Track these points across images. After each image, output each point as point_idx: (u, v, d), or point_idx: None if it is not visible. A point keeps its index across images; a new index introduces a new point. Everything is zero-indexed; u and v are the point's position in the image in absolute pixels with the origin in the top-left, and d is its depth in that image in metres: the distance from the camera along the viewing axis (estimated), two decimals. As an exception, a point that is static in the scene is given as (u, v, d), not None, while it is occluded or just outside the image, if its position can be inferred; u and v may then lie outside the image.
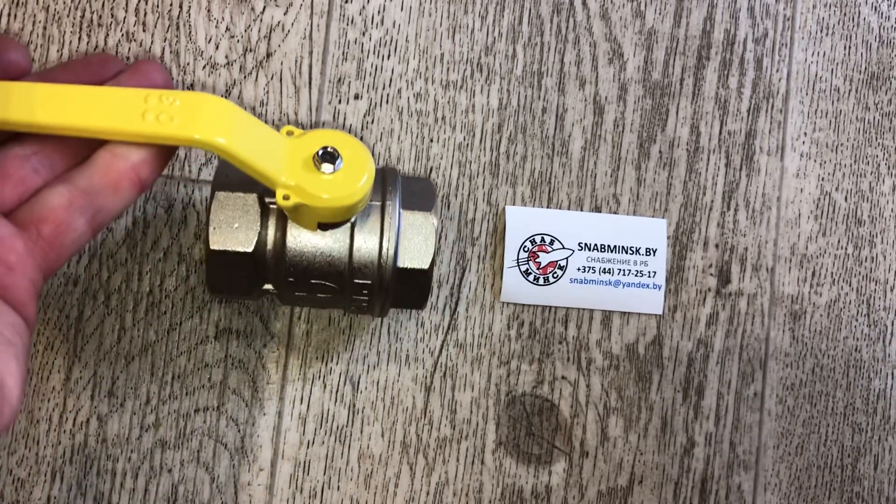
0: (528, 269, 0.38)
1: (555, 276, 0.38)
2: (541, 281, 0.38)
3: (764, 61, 0.41)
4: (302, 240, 0.31)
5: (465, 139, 0.39)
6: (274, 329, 0.37)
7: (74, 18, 0.37)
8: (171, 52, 0.37)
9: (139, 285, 0.36)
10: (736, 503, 0.39)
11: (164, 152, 0.27)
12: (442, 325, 0.38)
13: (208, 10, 0.37)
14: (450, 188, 0.38)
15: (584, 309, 0.39)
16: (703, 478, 0.39)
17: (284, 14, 0.38)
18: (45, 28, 0.37)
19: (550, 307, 0.39)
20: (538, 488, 0.38)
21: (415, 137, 0.38)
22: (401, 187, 0.32)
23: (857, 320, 0.40)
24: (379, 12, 0.38)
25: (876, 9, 0.41)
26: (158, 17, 0.37)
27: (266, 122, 0.38)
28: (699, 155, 0.40)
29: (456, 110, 0.39)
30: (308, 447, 0.37)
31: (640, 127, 0.40)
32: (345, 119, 0.38)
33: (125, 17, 0.37)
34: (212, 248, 0.30)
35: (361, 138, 0.38)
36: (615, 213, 0.39)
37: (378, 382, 0.37)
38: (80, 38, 0.37)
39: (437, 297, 0.38)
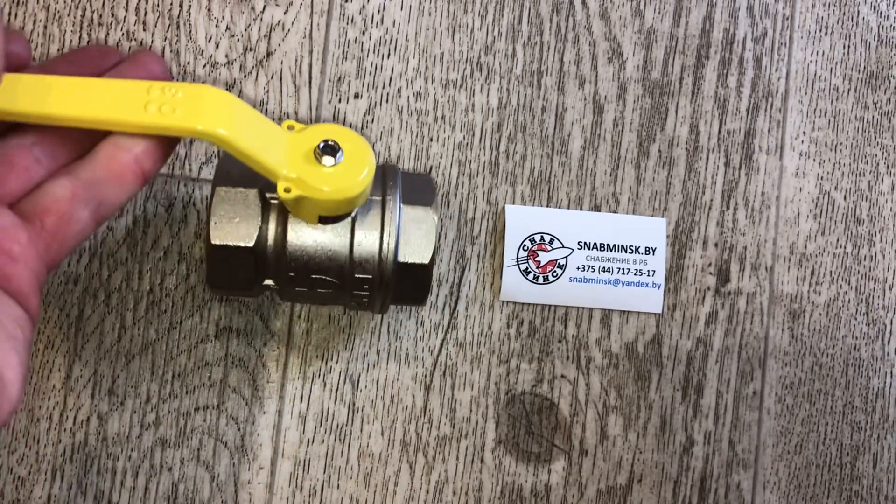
0: (527, 268, 0.38)
1: (554, 274, 0.38)
2: (540, 280, 0.38)
3: (763, 60, 0.41)
4: (303, 234, 0.31)
5: (464, 138, 0.39)
6: (274, 327, 0.37)
7: (75, 17, 0.37)
8: (171, 51, 0.37)
9: (139, 284, 0.37)
10: (735, 502, 0.39)
11: (167, 144, 0.28)
12: (442, 324, 0.38)
13: (208, 10, 0.38)
14: (449, 187, 0.38)
15: (583, 308, 0.39)
16: (702, 476, 0.39)
17: (284, 13, 0.38)
18: (45, 27, 0.37)
19: (550, 306, 0.39)
20: (538, 487, 0.38)
21: (414, 136, 0.38)
22: (401, 183, 0.32)
23: (856, 319, 0.40)
24: (379, 11, 0.38)
25: (875, 8, 0.41)
26: (159, 17, 0.37)
27: (266, 121, 0.38)
28: (698, 154, 0.40)
29: (456, 109, 0.39)
30: (308, 446, 0.37)
31: (640, 126, 0.40)
32: (345, 118, 0.38)
33: (125, 16, 0.37)
34: (213, 242, 0.30)
35: (361, 137, 0.38)
36: (615, 212, 0.39)
37: (378, 381, 0.37)
38: (80, 37, 0.37)
39: (437, 295, 0.38)
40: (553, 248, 0.39)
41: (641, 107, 0.40)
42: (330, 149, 0.29)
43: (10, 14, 0.37)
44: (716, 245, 0.40)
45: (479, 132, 0.39)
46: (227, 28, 0.38)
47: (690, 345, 0.39)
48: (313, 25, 0.38)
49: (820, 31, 0.41)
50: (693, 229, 0.40)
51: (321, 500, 0.37)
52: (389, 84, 0.38)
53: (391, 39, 0.39)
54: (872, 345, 0.40)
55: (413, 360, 0.38)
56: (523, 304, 0.38)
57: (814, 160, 0.41)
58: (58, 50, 0.37)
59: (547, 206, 0.39)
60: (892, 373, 0.40)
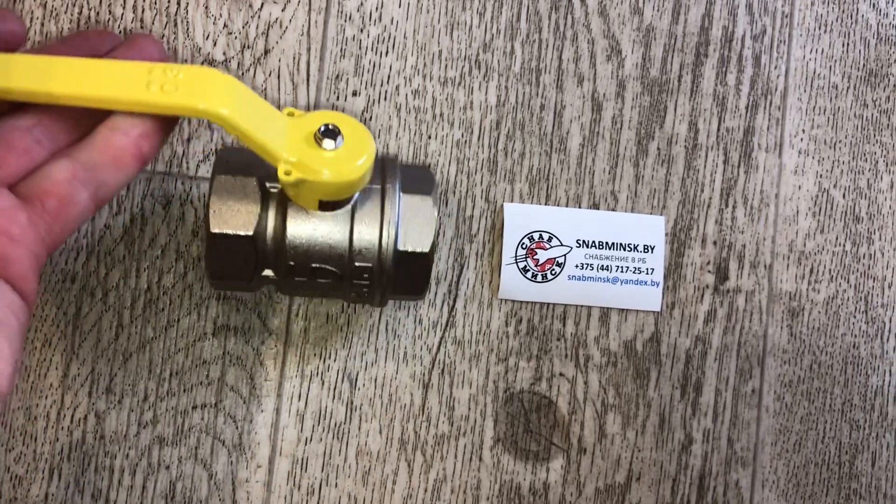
0: (526, 266, 0.38)
1: (553, 273, 0.38)
2: (539, 278, 0.38)
3: (762, 58, 0.40)
4: (302, 223, 0.31)
5: (463, 136, 0.39)
6: (272, 326, 0.37)
7: (72, 15, 0.37)
8: (168, 48, 0.37)
9: (137, 282, 0.36)
10: (734, 500, 0.39)
11: (165, 127, 0.28)
12: (440, 322, 0.38)
13: (206, 7, 0.37)
14: (448, 185, 0.38)
15: (582, 306, 0.39)
16: (700, 474, 0.39)
17: (282, 11, 0.38)
18: (42, 24, 0.37)
19: (548, 304, 0.39)
20: (536, 485, 0.38)
21: (413, 134, 0.38)
22: (400, 173, 0.32)
23: (854, 317, 0.40)
24: (377, 9, 0.38)
25: (874, 6, 0.41)
26: (156, 14, 0.37)
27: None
28: (697, 152, 0.40)
29: (454, 107, 0.39)
30: (306, 444, 0.37)
31: (639, 124, 0.40)
32: (343, 116, 0.38)
33: (122, 14, 0.37)
34: (212, 231, 0.30)
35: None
36: (613, 210, 0.39)
37: (376, 379, 0.37)
38: (77, 35, 0.37)
39: (435, 294, 0.38)
40: (551, 247, 0.39)
41: (640, 104, 0.40)
42: (330, 132, 0.29)
43: (6, 11, 0.37)
44: (714, 243, 0.40)
45: (477, 130, 0.39)
46: (225, 25, 0.38)
47: (689, 343, 0.39)
48: (311, 23, 0.38)
49: (819, 28, 0.41)
50: (692, 227, 0.40)
51: (319, 498, 0.37)
52: (388, 82, 0.38)
53: (389, 37, 0.38)
54: (871, 343, 0.40)
55: (411, 359, 0.38)
56: (522, 302, 0.38)
57: (813, 158, 0.41)
58: (55, 47, 0.37)
59: (545, 204, 0.39)
60: (890, 371, 0.40)
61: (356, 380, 0.37)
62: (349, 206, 0.31)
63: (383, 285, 0.32)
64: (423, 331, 0.38)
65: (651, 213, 0.39)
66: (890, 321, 0.40)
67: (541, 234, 0.38)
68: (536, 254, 0.38)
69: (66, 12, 0.37)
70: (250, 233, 0.30)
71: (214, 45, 0.37)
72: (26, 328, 0.25)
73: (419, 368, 0.38)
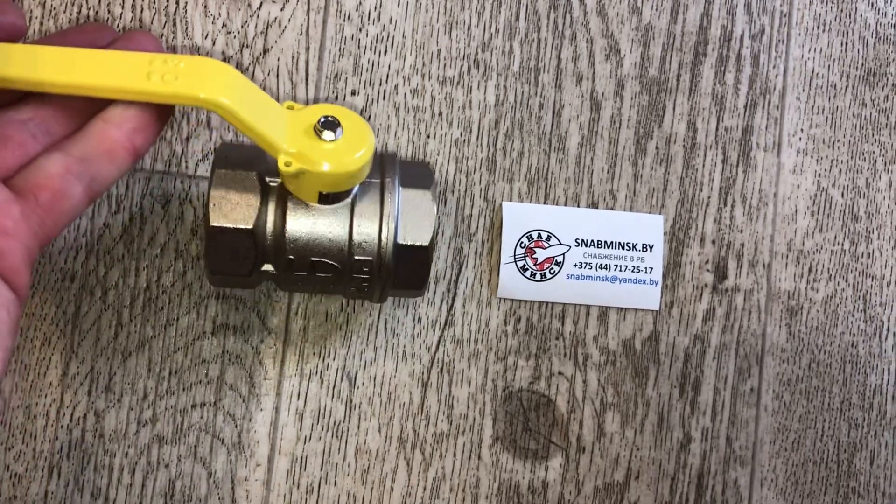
0: (524, 265, 0.38)
1: (552, 272, 0.38)
2: (538, 277, 0.38)
3: (761, 57, 0.41)
4: (302, 216, 0.31)
5: (461, 135, 0.39)
6: (271, 325, 0.37)
7: (71, 14, 0.37)
8: (167, 47, 0.37)
9: (136, 281, 0.37)
10: (732, 498, 0.39)
11: (159, 121, 0.28)
12: (439, 321, 0.38)
13: (205, 6, 0.38)
14: (447, 184, 0.38)
15: (580, 305, 0.39)
16: (699, 473, 0.39)
17: (281, 10, 0.38)
18: (41, 24, 0.37)
19: (547, 303, 0.39)
20: (535, 483, 0.38)
21: (411, 133, 0.38)
22: (399, 168, 0.32)
23: (853, 316, 0.40)
24: (375, 8, 0.38)
25: (872, 5, 0.41)
26: (155, 13, 0.37)
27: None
28: (696, 151, 0.40)
29: (453, 106, 0.39)
30: (305, 442, 0.37)
31: (637, 123, 0.40)
32: (342, 115, 0.38)
33: (122, 13, 0.37)
34: (211, 224, 0.30)
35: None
36: (612, 209, 0.39)
37: (375, 378, 0.37)
38: (76, 34, 0.37)
39: (434, 292, 0.38)
40: (550, 245, 0.39)
41: (639, 104, 0.40)
42: (330, 124, 0.29)
43: (6, 11, 0.37)
44: (713, 242, 0.40)
45: (476, 129, 0.39)
46: (224, 25, 0.38)
47: (688, 342, 0.39)
48: (310, 22, 0.38)
49: (817, 27, 0.41)
50: (690, 226, 0.40)
51: (318, 496, 0.37)
52: (386, 81, 0.38)
53: (388, 36, 0.38)
54: (870, 342, 0.40)
55: (410, 357, 0.38)
56: (520, 301, 0.38)
57: (811, 157, 0.41)
58: (54, 46, 0.37)
59: (544, 203, 0.39)
60: (889, 370, 0.40)
61: (355, 378, 0.37)
62: (349, 200, 0.31)
63: (383, 279, 0.32)
64: (422, 329, 0.38)
65: (650, 212, 0.39)
66: (888, 320, 0.40)
67: (539, 233, 0.38)
68: (535, 253, 0.38)
69: (64, 11, 0.37)
70: (250, 226, 0.30)
71: (213, 44, 0.37)
72: (18, 322, 0.25)
73: (418, 367, 0.38)
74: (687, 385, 0.39)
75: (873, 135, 0.41)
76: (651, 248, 0.39)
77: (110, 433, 0.36)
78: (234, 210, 0.30)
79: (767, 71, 0.41)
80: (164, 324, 0.37)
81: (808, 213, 0.40)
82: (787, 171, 0.40)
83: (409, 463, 0.37)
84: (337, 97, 0.38)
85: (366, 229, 0.31)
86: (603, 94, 0.39)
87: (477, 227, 0.39)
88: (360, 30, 0.38)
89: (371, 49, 0.38)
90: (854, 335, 0.40)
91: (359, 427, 0.37)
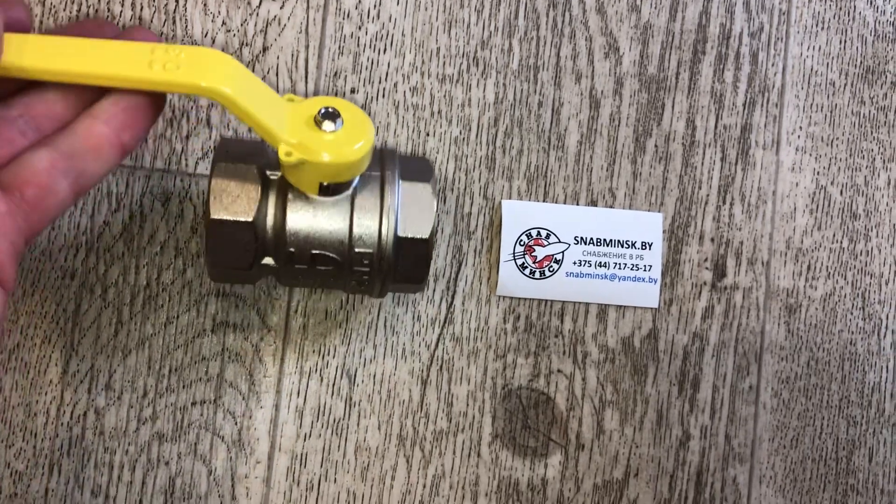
0: (524, 263, 0.38)
1: (551, 269, 0.39)
2: (537, 275, 0.38)
3: (759, 55, 0.41)
4: (303, 209, 0.31)
5: (461, 133, 0.39)
6: (271, 322, 0.37)
7: (71, 12, 0.37)
8: (167, 46, 0.37)
9: (136, 279, 0.37)
10: (731, 496, 0.39)
11: (147, 117, 0.28)
12: (438, 319, 0.38)
13: (204, 4, 0.38)
14: (446, 182, 0.39)
15: (579, 302, 0.39)
16: (698, 470, 0.39)
17: (281, 8, 0.38)
18: (41, 22, 0.37)
19: (546, 301, 0.39)
20: (534, 481, 0.38)
21: (411, 131, 0.38)
22: (399, 162, 0.32)
23: (851, 314, 0.40)
24: (375, 6, 0.38)
25: (871, 3, 0.41)
26: (154, 11, 0.37)
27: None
28: (695, 149, 0.40)
29: (452, 104, 0.39)
30: (305, 440, 0.37)
31: (636, 121, 0.40)
32: (341, 113, 0.38)
33: (122, 12, 0.37)
34: (212, 216, 0.30)
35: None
36: (611, 207, 0.39)
37: (375, 375, 0.38)
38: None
39: (434, 290, 0.38)
40: (549, 243, 0.39)
41: (638, 102, 0.40)
42: (330, 115, 0.29)
43: (6, 9, 0.37)
44: (712, 240, 0.40)
45: (475, 127, 0.39)
46: (224, 23, 0.38)
47: (687, 339, 0.39)
48: (309, 20, 0.38)
49: (816, 26, 0.41)
50: (689, 224, 0.40)
51: (318, 494, 0.37)
52: (386, 79, 0.38)
53: (387, 34, 0.39)
54: (868, 339, 0.40)
55: (410, 355, 0.38)
56: (520, 298, 0.39)
57: (810, 155, 0.41)
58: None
59: (543, 201, 0.39)
60: (887, 367, 0.40)
61: (355, 376, 0.37)
62: (349, 193, 0.31)
63: (383, 272, 0.32)
64: (421, 327, 0.38)
65: (649, 210, 0.39)
66: (887, 318, 0.41)
67: (539, 231, 0.39)
68: (534, 251, 0.38)
69: (64, 9, 0.37)
70: (250, 219, 0.30)
71: (213, 42, 0.38)
72: (5, 316, 0.25)
73: (418, 365, 0.38)
74: (686, 383, 0.39)
75: (872, 133, 0.41)
76: (650, 245, 0.39)
77: (110, 430, 0.36)
78: (235, 203, 0.30)
79: (766, 69, 0.41)
80: (164, 321, 0.37)
81: (806, 210, 0.40)
82: (785, 168, 0.41)
83: (409, 460, 0.37)
84: (336, 95, 0.38)
85: (366, 222, 0.31)
86: (602, 92, 0.40)
87: (476, 225, 0.39)
88: (360, 28, 0.38)
89: (370, 47, 0.38)
90: (853, 333, 0.40)
91: (358, 424, 0.37)
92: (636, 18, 0.40)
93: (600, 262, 0.39)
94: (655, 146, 0.40)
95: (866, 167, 0.41)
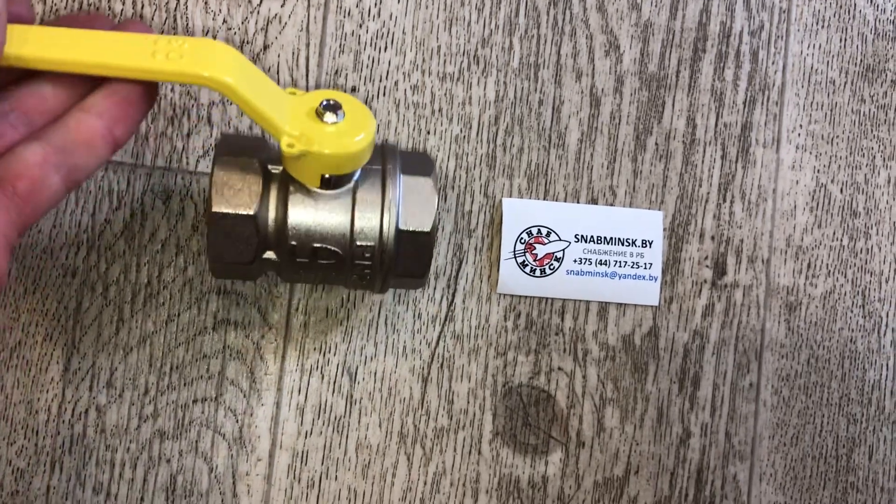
0: (524, 261, 0.38)
1: (551, 267, 0.39)
2: (537, 272, 0.38)
3: (760, 53, 0.41)
4: (304, 202, 0.31)
5: (461, 131, 0.39)
6: (272, 320, 0.37)
7: (71, 10, 0.37)
8: (168, 44, 0.37)
9: (137, 276, 0.37)
10: (731, 493, 0.39)
11: (138, 111, 0.28)
12: (439, 317, 0.38)
13: (205, 3, 0.38)
14: (447, 180, 0.39)
15: (580, 300, 0.39)
16: (698, 468, 0.39)
17: (281, 6, 0.38)
18: (41, 20, 0.37)
19: (547, 298, 0.39)
20: (535, 478, 0.38)
21: (412, 129, 0.39)
22: (400, 157, 0.32)
23: (852, 311, 0.40)
24: (376, 4, 0.39)
25: (871, 1, 0.42)
26: (155, 10, 0.37)
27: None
28: (695, 147, 0.40)
29: (453, 102, 0.39)
30: (306, 437, 0.37)
31: (637, 119, 0.40)
32: (342, 111, 0.38)
33: (122, 10, 0.37)
34: (214, 210, 0.30)
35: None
36: (611, 204, 0.39)
37: (375, 373, 0.38)
38: (77, 31, 0.37)
39: (434, 288, 0.38)
40: (550, 241, 0.39)
41: (638, 100, 0.40)
42: (332, 107, 0.29)
43: (7, 7, 0.37)
44: (712, 238, 0.40)
45: (476, 125, 0.39)
46: (224, 21, 0.38)
47: (687, 337, 0.39)
48: (310, 18, 0.38)
49: (816, 24, 0.41)
50: (690, 222, 0.40)
51: (319, 491, 0.37)
52: (386, 77, 0.38)
53: (388, 32, 0.39)
54: (868, 337, 0.40)
55: (411, 353, 0.38)
56: (520, 296, 0.39)
57: (810, 153, 0.41)
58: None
59: (544, 199, 0.39)
60: (888, 365, 0.41)
61: (356, 374, 0.38)
62: (350, 186, 0.31)
63: (385, 265, 0.32)
64: (422, 325, 0.38)
65: (649, 208, 0.40)
66: (887, 316, 0.41)
67: (539, 229, 0.39)
68: (535, 248, 0.39)
69: (65, 8, 0.37)
70: (252, 212, 0.30)
71: (214, 40, 0.38)
72: None
73: (418, 362, 0.38)
74: (686, 380, 0.39)
75: (872, 131, 0.41)
76: (650, 243, 0.39)
77: (112, 428, 0.36)
78: (237, 196, 0.30)
79: (766, 67, 0.41)
80: (166, 319, 0.37)
81: (806, 208, 0.41)
82: (786, 167, 0.41)
83: (410, 458, 0.38)
84: (337, 93, 0.38)
85: (367, 215, 0.31)
86: (602, 90, 0.40)
87: (477, 223, 0.39)
88: (361, 26, 0.38)
89: (371, 45, 0.38)
90: (853, 331, 0.40)
91: (359, 422, 0.37)
92: (637, 16, 0.40)
93: (601, 260, 0.39)
94: (656, 144, 0.40)
95: (866, 165, 0.41)
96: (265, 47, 0.38)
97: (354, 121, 0.29)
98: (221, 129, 0.37)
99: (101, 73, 0.27)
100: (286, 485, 0.37)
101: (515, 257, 0.38)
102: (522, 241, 0.38)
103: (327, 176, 0.30)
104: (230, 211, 0.30)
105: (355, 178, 0.31)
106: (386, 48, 0.39)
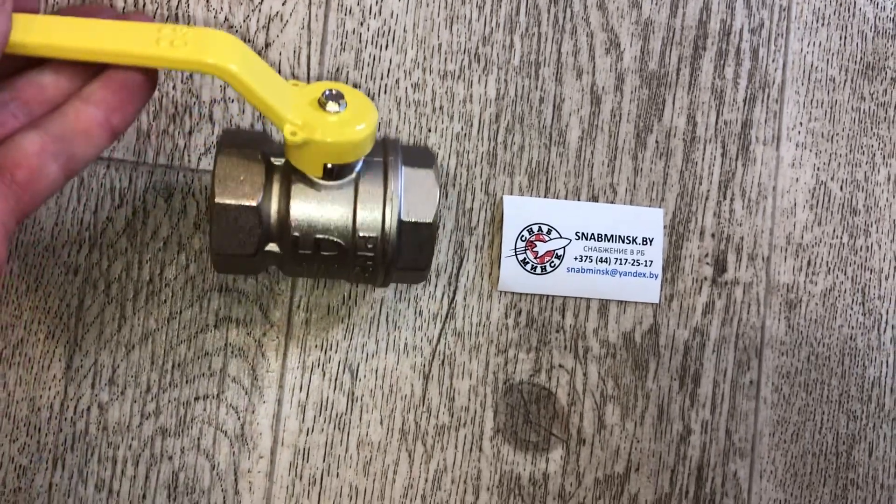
0: (525, 259, 0.38)
1: (552, 265, 0.39)
2: (538, 270, 0.39)
3: (760, 51, 0.41)
4: (307, 194, 0.31)
5: (462, 129, 0.39)
6: (273, 318, 0.37)
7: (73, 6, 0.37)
8: (170, 42, 0.37)
9: (139, 274, 0.37)
10: (731, 490, 0.39)
11: (136, 101, 0.28)
12: (440, 314, 0.38)
13: (207, 1, 0.38)
14: (447, 178, 0.39)
15: (581, 298, 0.39)
16: (699, 465, 0.39)
17: (283, 4, 0.38)
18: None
19: (548, 296, 0.39)
20: (536, 475, 0.38)
21: (413, 127, 0.39)
22: (401, 150, 0.33)
23: (851, 309, 0.41)
24: (377, 2, 0.39)
25: (871, -1, 0.42)
26: (157, 7, 0.37)
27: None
28: (695, 145, 0.40)
29: (454, 100, 0.39)
30: (307, 435, 0.37)
31: (637, 117, 0.40)
32: (343, 109, 0.38)
33: (123, 7, 0.37)
34: (217, 201, 0.30)
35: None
36: (612, 202, 0.39)
37: (377, 370, 0.38)
38: (79, 29, 0.37)
39: (436, 285, 0.38)
40: (551, 239, 0.39)
41: (639, 97, 0.40)
42: (334, 96, 0.29)
43: (9, 5, 0.37)
44: (713, 235, 0.40)
45: (476, 123, 0.39)
46: (226, 19, 0.38)
47: (687, 334, 0.39)
48: (311, 16, 0.38)
49: (817, 21, 0.41)
50: (690, 220, 0.40)
51: (321, 488, 0.37)
52: (387, 75, 0.39)
53: (389, 30, 0.39)
54: (868, 334, 0.41)
55: (412, 350, 0.38)
56: (521, 294, 0.39)
57: (810, 151, 0.41)
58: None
59: (545, 196, 0.39)
60: (887, 362, 0.41)
61: (357, 371, 0.38)
62: (352, 177, 0.31)
63: (387, 256, 0.32)
64: (423, 322, 0.38)
65: (650, 206, 0.40)
66: (887, 313, 0.41)
67: (540, 227, 0.39)
68: (536, 246, 0.39)
69: (68, 3, 0.37)
70: (255, 203, 0.30)
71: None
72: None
73: (419, 360, 0.38)
74: (687, 378, 0.39)
75: (872, 128, 0.41)
76: (651, 241, 0.39)
77: (114, 425, 0.36)
78: (240, 187, 0.30)
79: (767, 65, 0.41)
80: (167, 317, 0.37)
81: (807, 206, 0.41)
82: (786, 164, 0.41)
83: (411, 455, 0.38)
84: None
85: (370, 205, 0.31)
86: (603, 87, 0.40)
87: (478, 221, 0.39)
88: (362, 24, 0.39)
89: (372, 43, 0.39)
90: (853, 328, 0.41)
91: (361, 419, 0.38)
92: (637, 14, 0.40)
93: (601, 258, 0.39)
94: (656, 142, 0.40)
95: (866, 163, 0.41)
96: (267, 45, 0.38)
97: (356, 110, 0.30)
98: (223, 126, 0.37)
99: (104, 60, 0.27)
100: (288, 482, 0.37)
101: (516, 255, 0.38)
102: (523, 238, 0.39)
103: (330, 166, 0.30)
104: (233, 202, 0.30)
105: (357, 169, 0.31)
106: (387, 46, 0.39)
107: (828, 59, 0.41)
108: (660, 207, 0.40)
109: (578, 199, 0.39)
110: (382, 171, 0.31)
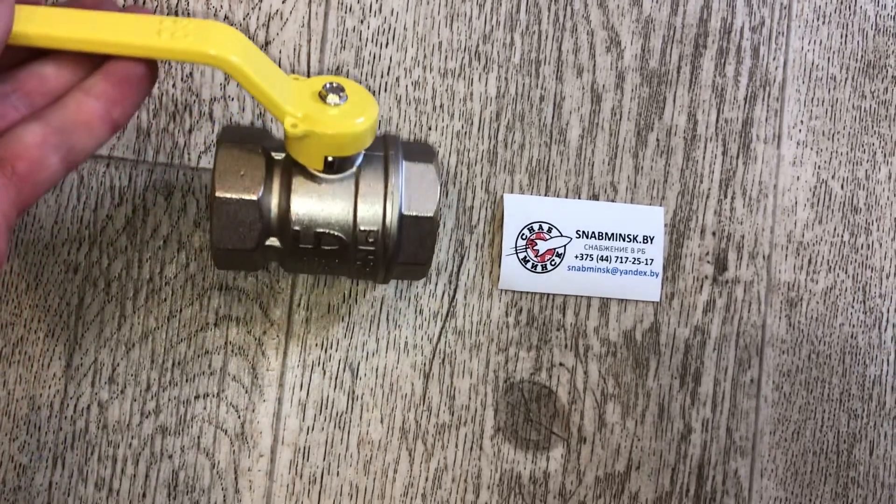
0: (526, 257, 0.38)
1: (553, 263, 0.39)
2: (539, 268, 0.39)
3: (761, 49, 0.41)
4: (307, 188, 0.31)
5: (463, 127, 0.39)
6: (273, 316, 0.37)
7: (73, 7, 0.37)
8: (170, 40, 0.37)
9: (139, 273, 0.37)
10: (732, 489, 0.39)
11: (137, 93, 0.28)
12: (440, 313, 0.38)
13: (207, -1, 0.38)
14: (448, 176, 0.39)
15: (581, 296, 0.39)
16: (699, 463, 0.39)
17: (283, 2, 0.38)
18: (44, 16, 0.37)
19: (548, 294, 0.39)
20: (536, 474, 0.38)
21: (413, 125, 0.39)
22: (402, 145, 0.33)
23: (852, 307, 0.41)
24: (377, 0, 0.39)
25: (872, -3, 0.42)
26: (157, 6, 0.37)
27: (265, 110, 0.38)
28: (696, 143, 0.40)
29: (454, 98, 0.39)
30: (308, 433, 0.37)
31: (638, 115, 0.40)
32: (343, 107, 0.38)
33: (123, 5, 0.37)
34: (217, 195, 0.30)
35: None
36: (613, 200, 0.39)
37: (377, 369, 0.38)
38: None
39: (436, 284, 0.38)
40: (551, 237, 0.39)
41: (639, 96, 0.40)
42: (335, 89, 0.29)
43: (8, 3, 0.37)
44: (713, 234, 0.40)
45: (477, 121, 0.39)
46: (226, 17, 0.38)
47: (688, 333, 0.39)
48: (312, 14, 0.38)
49: (817, 20, 0.41)
50: (691, 218, 0.40)
51: (321, 487, 0.37)
52: (388, 73, 0.38)
53: (389, 28, 0.39)
54: (869, 333, 0.41)
55: (412, 349, 0.38)
56: (522, 292, 0.39)
57: (811, 149, 0.41)
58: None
59: (545, 195, 0.39)
60: (888, 361, 0.41)
61: (357, 369, 0.38)
62: (353, 171, 0.31)
63: (388, 251, 0.32)
64: (423, 321, 0.38)
65: (650, 204, 0.40)
66: (887, 311, 0.41)
67: (541, 225, 0.39)
68: (536, 244, 0.39)
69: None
70: (255, 197, 0.30)
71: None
72: None
73: (420, 358, 0.38)
74: (687, 376, 0.39)
75: (873, 127, 0.41)
76: (652, 239, 0.39)
77: (114, 424, 0.36)
78: (240, 181, 0.30)
79: (767, 63, 0.41)
80: (168, 315, 0.37)
81: (807, 204, 0.41)
82: (786, 162, 0.41)
83: (412, 453, 0.38)
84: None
85: (371, 199, 0.31)
86: (604, 86, 0.40)
87: (478, 219, 0.39)
88: (362, 22, 0.38)
89: (373, 41, 0.38)
90: (853, 326, 0.40)
91: (361, 418, 0.37)
92: (637, 12, 0.40)
93: (602, 256, 0.39)
94: (657, 140, 0.40)
95: (867, 161, 0.41)
96: (267, 43, 0.38)
97: (357, 103, 0.30)
98: (223, 124, 0.37)
99: (106, 52, 0.27)
100: (288, 480, 0.37)
101: (517, 253, 0.38)
102: (524, 237, 0.38)
103: (330, 159, 0.30)
104: (233, 196, 0.30)
105: (358, 163, 0.31)
106: (387, 44, 0.39)
107: (829, 58, 0.41)
108: (660, 206, 0.40)
109: (579, 198, 0.39)
110: (383, 165, 0.31)
